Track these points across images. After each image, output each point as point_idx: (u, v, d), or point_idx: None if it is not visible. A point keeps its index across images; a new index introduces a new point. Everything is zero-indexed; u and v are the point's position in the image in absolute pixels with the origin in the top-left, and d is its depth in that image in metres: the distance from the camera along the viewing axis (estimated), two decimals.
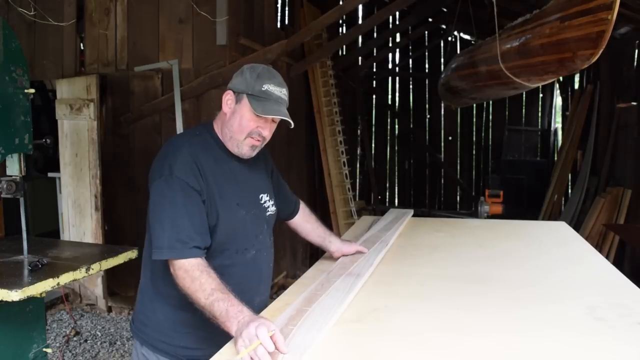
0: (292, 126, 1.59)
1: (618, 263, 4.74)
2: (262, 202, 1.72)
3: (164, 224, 1.47)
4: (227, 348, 1.27)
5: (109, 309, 4.47)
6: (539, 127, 8.58)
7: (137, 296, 1.73)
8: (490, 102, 8.46)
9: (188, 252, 1.43)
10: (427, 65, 8.89)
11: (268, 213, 1.74)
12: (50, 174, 4.87)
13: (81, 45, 4.67)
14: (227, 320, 1.30)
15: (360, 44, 8.27)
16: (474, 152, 8.94)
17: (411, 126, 9.00)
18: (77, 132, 4.32)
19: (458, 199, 9.00)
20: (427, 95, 8.91)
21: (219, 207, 1.55)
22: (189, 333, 1.56)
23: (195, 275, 1.40)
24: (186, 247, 1.43)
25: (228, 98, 1.59)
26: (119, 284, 4.55)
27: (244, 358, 1.18)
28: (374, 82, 9.06)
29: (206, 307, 1.35)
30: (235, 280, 1.58)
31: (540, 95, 8.50)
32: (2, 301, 1.86)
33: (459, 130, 8.92)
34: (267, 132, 1.60)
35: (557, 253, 2.13)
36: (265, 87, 1.54)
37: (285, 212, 1.93)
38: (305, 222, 1.98)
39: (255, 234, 1.68)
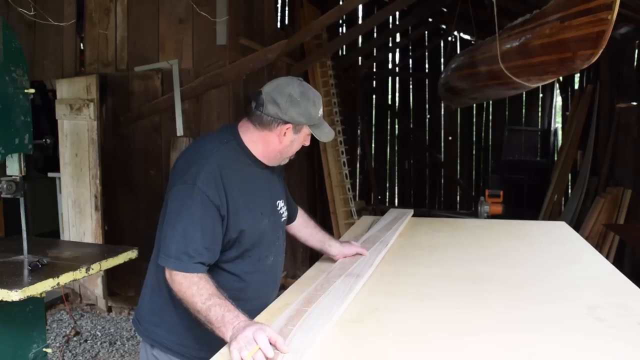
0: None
1: (618, 263, 4.74)
2: (279, 208, 1.73)
3: (175, 232, 1.46)
4: (221, 354, 1.25)
5: (109, 309, 4.47)
6: (539, 127, 8.58)
7: (144, 297, 1.70)
8: (490, 102, 8.45)
9: (192, 267, 1.43)
10: (427, 65, 8.88)
11: (282, 219, 1.77)
12: (50, 174, 4.86)
13: (81, 45, 4.67)
14: (223, 326, 1.30)
15: (360, 44, 8.26)
16: (474, 152, 8.94)
17: (411, 126, 9.00)
18: (77, 132, 4.32)
19: (458, 199, 9.00)
20: (427, 95, 8.90)
21: (244, 219, 1.55)
22: (204, 335, 1.55)
23: (193, 281, 1.41)
24: (191, 262, 1.43)
25: (287, 132, 1.57)
26: (119, 284, 4.55)
27: None
28: (374, 82, 9.06)
29: (202, 311, 1.36)
30: (254, 287, 1.63)
31: (540, 95, 8.49)
32: (2, 301, 1.86)
33: (459, 130, 8.91)
34: (308, 143, 1.69)
35: (557, 253, 2.12)
36: (319, 112, 1.61)
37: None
38: (304, 228, 1.98)
39: (273, 241, 1.70)
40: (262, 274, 1.66)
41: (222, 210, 1.50)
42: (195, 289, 1.39)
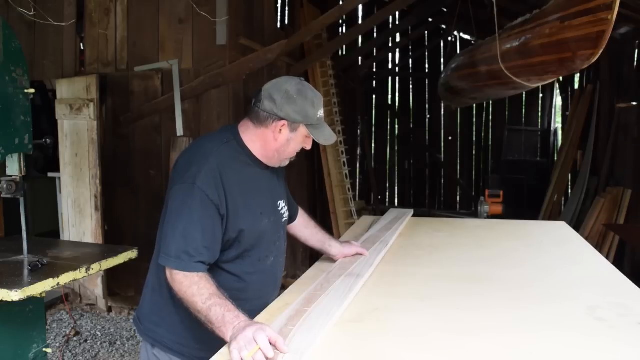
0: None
1: (618, 263, 4.74)
2: (280, 208, 1.73)
3: (175, 231, 1.46)
4: (221, 354, 1.25)
5: (109, 309, 4.47)
6: (539, 127, 8.58)
7: (145, 296, 1.71)
8: (490, 102, 8.46)
9: (192, 266, 1.43)
10: (427, 65, 8.89)
11: (284, 219, 1.77)
12: (50, 174, 4.87)
13: (81, 45, 4.67)
14: (223, 326, 1.30)
15: (360, 44, 8.27)
16: (474, 152, 8.94)
17: (411, 126, 9.00)
18: (77, 132, 4.32)
19: (458, 199, 9.00)
20: (427, 95, 8.91)
21: (244, 218, 1.55)
22: (204, 334, 1.55)
23: (194, 280, 1.41)
24: (191, 261, 1.43)
25: (282, 129, 1.56)
26: (119, 284, 4.55)
27: None
28: (374, 82, 9.06)
29: (202, 311, 1.36)
30: (255, 287, 1.63)
31: (540, 95, 8.50)
32: (2, 301, 1.86)
33: (459, 130, 8.91)
34: (309, 147, 1.65)
35: (557, 253, 2.12)
36: (319, 113, 1.57)
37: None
38: (304, 228, 1.97)
39: (274, 241, 1.70)
40: (262, 274, 1.66)
41: (221, 209, 1.50)
42: (196, 288, 1.39)
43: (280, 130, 1.56)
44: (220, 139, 1.62)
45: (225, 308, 1.33)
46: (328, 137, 1.61)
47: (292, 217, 1.92)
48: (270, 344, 1.19)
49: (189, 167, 1.52)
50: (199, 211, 1.47)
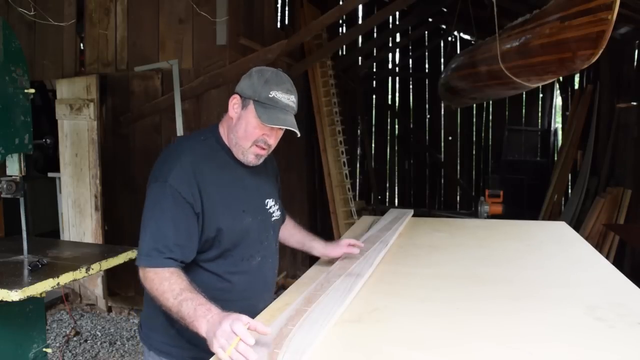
0: (299, 135, 1.55)
1: (618, 263, 4.74)
2: (268, 207, 1.69)
3: (147, 230, 1.45)
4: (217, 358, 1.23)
5: (109, 309, 4.47)
6: (539, 127, 8.59)
7: (145, 299, 1.68)
8: (490, 102, 8.46)
9: (161, 262, 1.40)
10: (427, 65, 8.89)
11: (273, 218, 1.71)
12: (50, 174, 4.87)
13: (81, 45, 4.68)
14: (195, 320, 1.26)
15: (360, 44, 8.27)
16: (474, 152, 8.94)
17: (411, 126, 9.00)
18: (77, 132, 4.32)
19: (458, 199, 9.00)
20: (427, 95, 8.91)
21: (222, 217, 1.52)
22: (195, 333, 1.55)
23: (164, 277, 1.38)
24: (161, 257, 1.41)
25: (235, 102, 1.55)
26: (119, 284, 4.55)
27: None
28: (374, 82, 9.07)
29: (174, 307, 1.33)
30: (239, 287, 1.59)
31: (540, 95, 8.50)
32: (2, 301, 1.86)
33: (459, 130, 8.92)
34: (273, 140, 1.56)
35: (557, 253, 2.13)
36: (273, 94, 1.49)
37: None
38: (282, 229, 1.90)
39: (261, 240, 1.65)
40: (246, 274, 1.61)
41: (196, 207, 1.48)
42: (167, 284, 1.36)
43: (234, 106, 1.55)
44: (198, 137, 1.61)
45: (197, 301, 1.30)
46: (275, 119, 1.48)
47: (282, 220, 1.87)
48: (252, 330, 1.16)
49: (163, 167, 1.51)
50: (171, 209, 1.45)
